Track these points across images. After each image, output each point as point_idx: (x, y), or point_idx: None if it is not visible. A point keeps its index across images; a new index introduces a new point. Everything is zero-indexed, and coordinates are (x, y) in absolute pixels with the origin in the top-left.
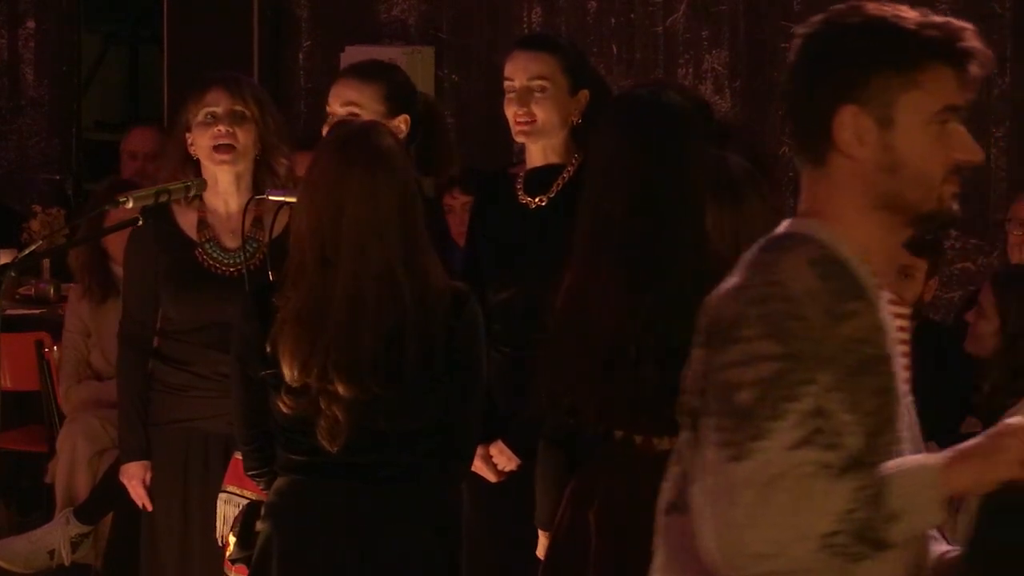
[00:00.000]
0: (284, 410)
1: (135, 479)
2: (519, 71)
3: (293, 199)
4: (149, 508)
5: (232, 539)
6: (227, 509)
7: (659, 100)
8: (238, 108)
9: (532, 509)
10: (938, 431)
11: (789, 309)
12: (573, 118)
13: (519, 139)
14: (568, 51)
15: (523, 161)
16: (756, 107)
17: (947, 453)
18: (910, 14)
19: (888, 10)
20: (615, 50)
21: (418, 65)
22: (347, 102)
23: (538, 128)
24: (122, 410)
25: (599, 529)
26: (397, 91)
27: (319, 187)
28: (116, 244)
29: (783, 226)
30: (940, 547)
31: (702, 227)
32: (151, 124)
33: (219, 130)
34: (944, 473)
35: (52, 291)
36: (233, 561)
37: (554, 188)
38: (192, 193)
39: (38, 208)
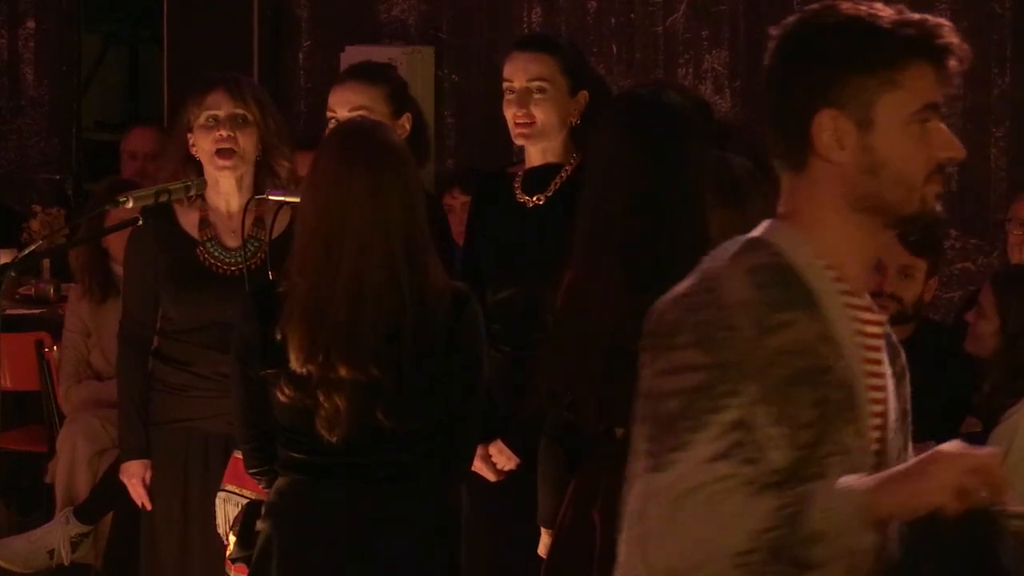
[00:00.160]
0: (284, 401)
1: (135, 478)
2: (518, 72)
3: (293, 199)
4: (149, 507)
5: (232, 538)
6: (226, 508)
7: (659, 100)
8: (239, 111)
9: (532, 508)
10: (938, 431)
11: (719, 318)
12: (572, 119)
13: (518, 142)
14: (567, 52)
15: (522, 161)
16: (756, 107)
17: (877, 476)
18: (885, 12)
19: (863, 9)
20: (615, 50)
21: (418, 65)
22: (355, 106)
23: (537, 130)
24: (122, 409)
25: (603, 528)
26: (399, 91)
27: (324, 180)
28: (117, 244)
29: (755, 229)
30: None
31: (702, 227)
32: (151, 124)
33: (221, 135)
34: (870, 496)
35: (52, 291)
36: (233, 560)
37: (552, 187)
38: (192, 193)
39: (38, 208)
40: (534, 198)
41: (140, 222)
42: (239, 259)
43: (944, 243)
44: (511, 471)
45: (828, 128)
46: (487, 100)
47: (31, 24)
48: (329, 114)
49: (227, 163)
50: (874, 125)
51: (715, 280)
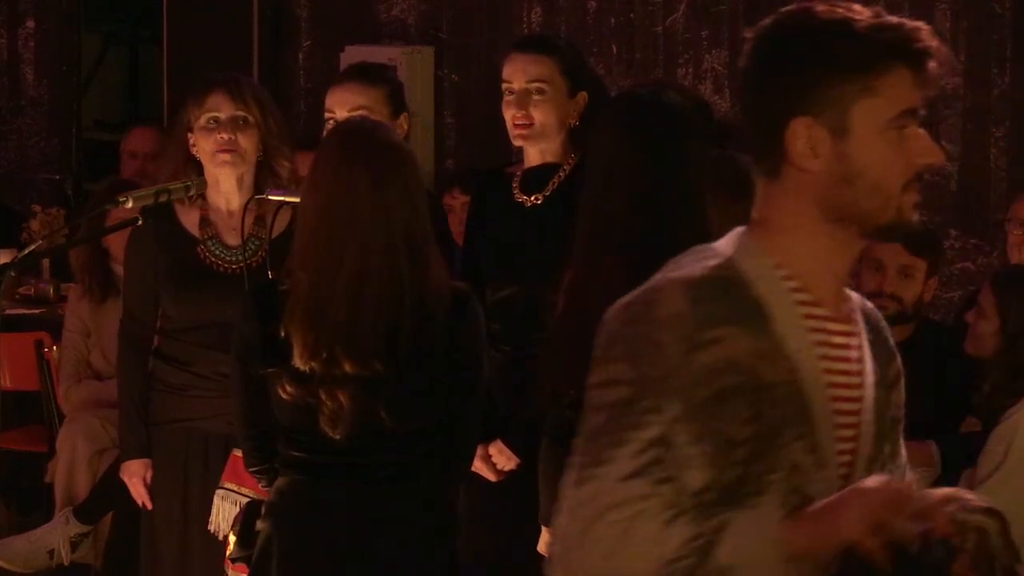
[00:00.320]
0: (286, 399)
1: (136, 477)
2: (517, 74)
3: (293, 199)
4: (149, 507)
5: (232, 538)
6: (224, 506)
7: (659, 100)
8: (240, 113)
9: (532, 508)
10: (938, 431)
11: (649, 333)
12: (571, 120)
13: (517, 142)
14: (566, 53)
15: (521, 161)
16: None
17: (795, 512)
18: (862, 15)
19: (840, 12)
20: (615, 50)
21: (418, 65)
22: (355, 107)
23: (536, 131)
24: (122, 409)
25: None
26: (397, 91)
27: (326, 177)
28: (117, 244)
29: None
30: None
31: (703, 227)
32: (151, 124)
33: (221, 137)
34: (785, 530)
35: (52, 291)
36: (233, 560)
37: (550, 187)
38: (192, 193)
39: (38, 208)
40: (532, 198)
41: (140, 222)
42: (239, 258)
43: (944, 243)
44: (511, 471)
45: (802, 136)
46: (487, 100)
47: (31, 24)
48: (327, 115)
49: (226, 158)
50: (849, 133)
51: (656, 291)
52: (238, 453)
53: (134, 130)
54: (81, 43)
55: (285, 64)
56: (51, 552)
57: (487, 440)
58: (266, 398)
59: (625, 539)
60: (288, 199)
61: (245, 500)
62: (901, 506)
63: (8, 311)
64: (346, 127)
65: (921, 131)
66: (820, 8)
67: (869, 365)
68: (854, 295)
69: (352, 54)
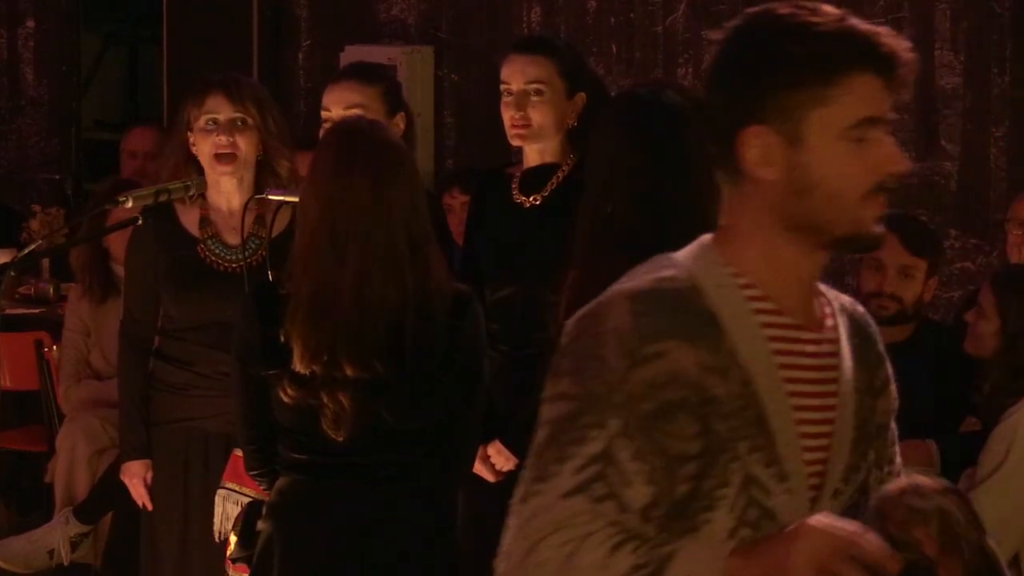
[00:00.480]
0: (287, 401)
1: (136, 477)
2: (515, 75)
3: (293, 199)
4: (150, 507)
5: (233, 538)
6: (226, 506)
7: (659, 100)
8: (238, 115)
9: None
10: (938, 431)
11: (593, 347)
12: (569, 120)
13: (515, 143)
14: (565, 54)
15: (521, 161)
16: None
17: (743, 546)
18: (825, 19)
19: (801, 16)
20: (615, 50)
21: (418, 65)
22: (351, 105)
23: (534, 132)
24: (123, 409)
25: None
26: (394, 90)
27: (325, 178)
28: (117, 244)
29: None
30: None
31: (703, 227)
32: (151, 124)
33: (220, 139)
34: (733, 567)
35: (52, 291)
36: (234, 560)
37: (548, 187)
38: (192, 193)
39: (38, 208)
40: (531, 198)
41: (140, 222)
42: (239, 257)
43: (944, 243)
44: (510, 471)
45: (755, 144)
46: (487, 100)
47: (31, 24)
48: (324, 113)
49: (227, 169)
50: (803, 142)
51: (604, 304)
52: (239, 453)
53: (134, 130)
54: (81, 43)
55: (285, 64)
56: (51, 552)
57: (486, 441)
58: (266, 400)
59: (569, 565)
60: (288, 199)
61: (246, 500)
62: (850, 551)
63: (8, 311)
64: (344, 127)
65: (886, 138)
66: (782, 12)
67: (848, 372)
68: (843, 299)
69: (352, 54)
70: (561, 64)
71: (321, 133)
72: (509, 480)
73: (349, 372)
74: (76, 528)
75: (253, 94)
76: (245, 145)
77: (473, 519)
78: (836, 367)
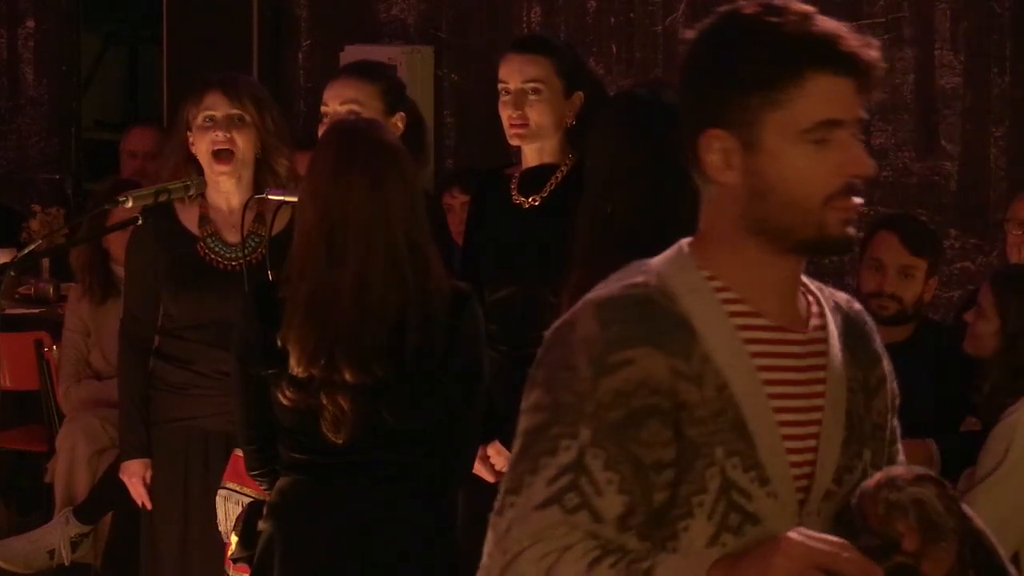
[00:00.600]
0: (286, 404)
1: (135, 477)
2: (513, 74)
3: (293, 199)
4: (149, 506)
5: (234, 538)
6: (227, 506)
7: (658, 100)
8: (236, 112)
9: None
10: (938, 431)
11: (564, 357)
12: (567, 120)
13: (513, 143)
14: (563, 53)
15: (520, 161)
16: None
17: (722, 561)
18: (788, 18)
19: (764, 14)
20: (615, 50)
21: (418, 65)
22: (348, 100)
23: (532, 131)
24: (123, 408)
25: None
26: (394, 89)
27: (323, 179)
28: (117, 244)
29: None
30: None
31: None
32: (151, 124)
33: (218, 136)
34: None
35: (52, 290)
36: (235, 560)
37: (547, 188)
38: (192, 192)
39: (38, 208)
40: (530, 199)
41: (140, 222)
42: (239, 255)
43: (944, 243)
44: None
45: (714, 149)
46: (487, 100)
47: (31, 23)
48: (323, 108)
49: (225, 168)
50: (760, 146)
51: (575, 313)
52: (239, 453)
53: (134, 130)
54: (81, 43)
55: (285, 64)
56: (51, 552)
57: (485, 441)
58: (267, 400)
59: None
60: (288, 199)
61: (247, 500)
62: (828, 567)
63: (8, 311)
64: (341, 128)
65: (850, 140)
66: (746, 11)
67: (838, 371)
68: (838, 297)
69: (352, 54)
70: (559, 63)
71: (320, 129)
72: None
73: (348, 377)
74: (76, 528)
75: (251, 92)
76: (243, 142)
77: (473, 519)
78: (824, 367)
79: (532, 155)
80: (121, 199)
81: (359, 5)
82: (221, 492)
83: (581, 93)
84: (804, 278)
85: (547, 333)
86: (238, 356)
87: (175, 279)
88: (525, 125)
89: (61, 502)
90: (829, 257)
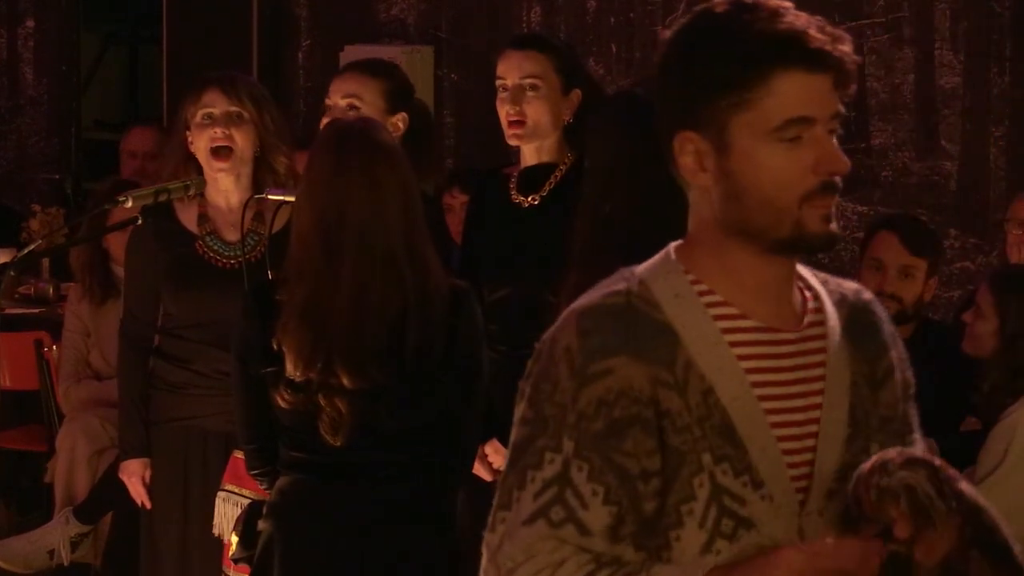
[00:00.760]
0: (284, 406)
1: (135, 476)
2: (511, 70)
3: (292, 198)
4: (148, 506)
5: (235, 539)
6: (226, 508)
7: None
8: (234, 109)
9: None
10: (938, 431)
11: (546, 369)
12: (565, 117)
13: (512, 142)
14: (561, 51)
15: (519, 161)
16: None
17: (717, 570)
18: (756, 15)
19: (734, 13)
20: (615, 49)
21: (418, 65)
22: (348, 94)
23: (530, 129)
24: (122, 408)
25: None
26: (398, 89)
27: (319, 181)
28: (117, 245)
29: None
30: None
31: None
32: (151, 124)
33: (216, 132)
34: None
35: (51, 291)
36: (236, 561)
37: (546, 187)
38: (192, 192)
39: (37, 208)
40: (529, 199)
41: (139, 221)
42: (238, 253)
43: (944, 243)
44: None
45: (687, 151)
46: (487, 100)
47: (31, 23)
48: (326, 101)
49: (224, 165)
50: (730, 148)
51: (559, 324)
52: (238, 455)
53: (134, 130)
54: (80, 42)
55: (285, 64)
56: (51, 552)
57: (484, 440)
58: (267, 399)
59: None
60: (287, 199)
61: (246, 502)
62: (829, 567)
63: (8, 311)
64: (337, 128)
65: (822, 137)
66: (717, 11)
67: (839, 366)
68: (845, 288)
69: (352, 54)
70: (557, 60)
71: (323, 122)
72: None
73: (346, 382)
74: (76, 528)
75: (249, 90)
76: (241, 140)
77: (473, 519)
78: (822, 364)
79: (531, 154)
80: (121, 199)
81: (359, 5)
82: (220, 494)
83: (579, 91)
84: (807, 272)
85: (536, 344)
86: (238, 355)
87: (175, 278)
88: (522, 123)
89: (61, 502)
90: (819, 255)
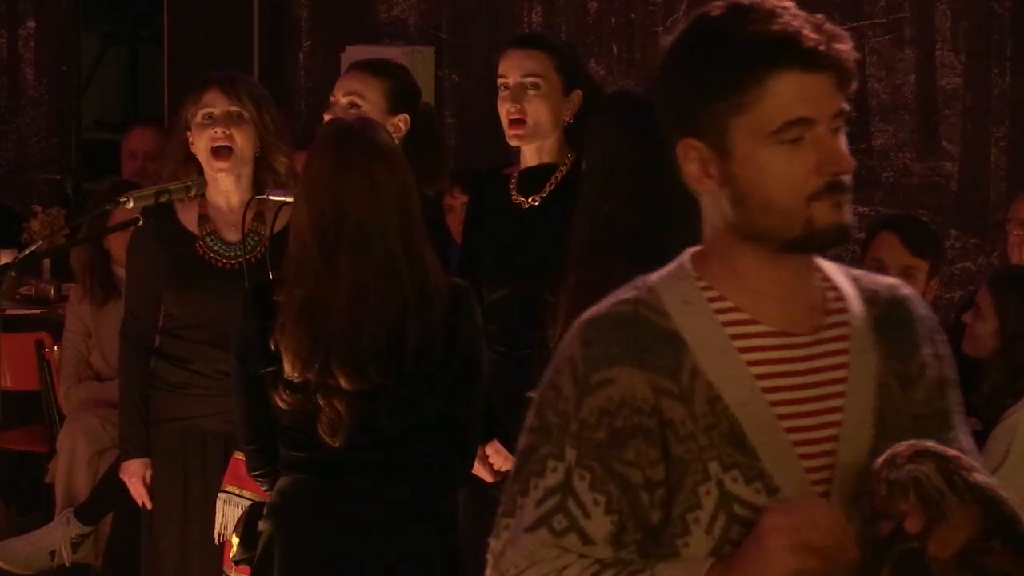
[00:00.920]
0: (282, 406)
1: (135, 476)
2: (513, 68)
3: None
4: (149, 506)
5: (235, 540)
6: (227, 509)
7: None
8: (234, 109)
9: None
10: None
11: (553, 378)
12: (566, 118)
13: (513, 143)
14: (563, 51)
15: (519, 161)
16: None
17: (719, 563)
18: (751, 17)
19: (730, 16)
20: (615, 50)
21: (418, 65)
22: (350, 92)
23: (530, 129)
24: (123, 408)
25: None
26: (401, 90)
27: (317, 181)
28: (118, 246)
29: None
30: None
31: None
32: (151, 124)
33: (216, 132)
34: None
35: (52, 291)
36: (237, 563)
37: (547, 188)
38: (193, 193)
39: (38, 208)
40: (530, 199)
41: (140, 222)
42: (238, 253)
43: (945, 243)
44: (508, 471)
45: (691, 158)
46: (487, 100)
47: (31, 24)
48: (331, 98)
49: (224, 165)
50: (733, 153)
51: (569, 332)
52: (239, 456)
53: (134, 130)
54: (81, 43)
55: (285, 64)
56: (52, 553)
57: (484, 440)
58: (267, 399)
59: None
60: (288, 199)
61: (247, 503)
62: (821, 524)
63: (9, 311)
64: (335, 128)
65: (825, 137)
66: (714, 13)
67: (864, 367)
68: (879, 285)
69: (352, 54)
70: (558, 60)
71: (325, 118)
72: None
73: (344, 383)
74: (77, 529)
75: (249, 90)
76: (241, 139)
77: (473, 519)
78: (844, 365)
79: (531, 154)
80: (122, 199)
81: (360, 5)
82: (221, 495)
83: (580, 92)
84: (834, 270)
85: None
86: (237, 355)
87: (175, 279)
88: (523, 122)
89: (62, 503)
90: (831, 251)
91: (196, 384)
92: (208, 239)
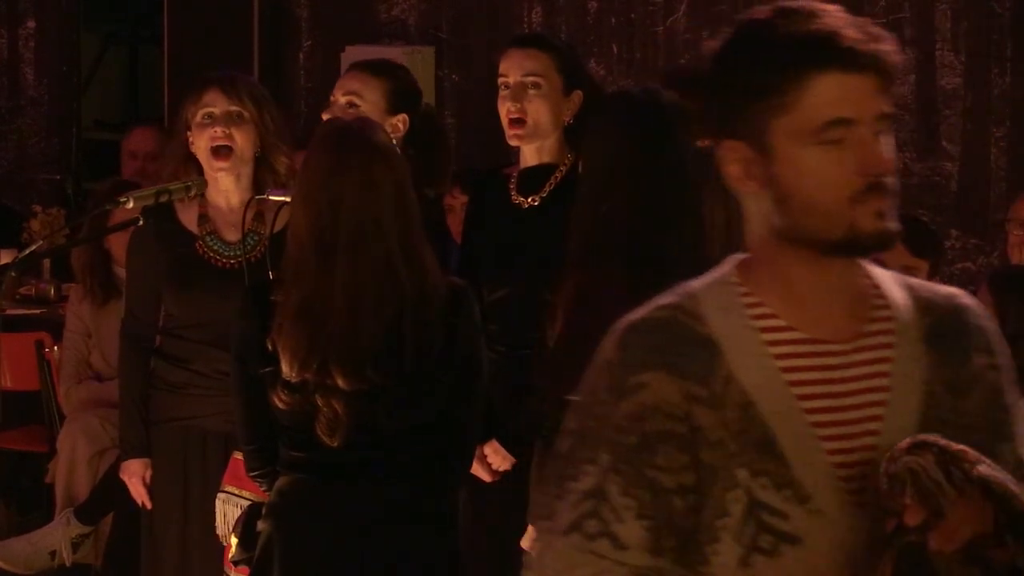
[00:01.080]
0: (281, 406)
1: (135, 476)
2: (513, 68)
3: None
4: (149, 506)
5: (234, 540)
6: (226, 509)
7: (656, 100)
8: (234, 109)
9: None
10: None
11: (590, 381)
12: (566, 118)
13: (513, 143)
14: (563, 51)
15: (519, 161)
16: None
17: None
18: (792, 20)
19: (773, 19)
20: (615, 50)
21: (418, 65)
22: (349, 91)
23: (530, 129)
24: (123, 408)
25: None
26: (401, 90)
27: (315, 180)
28: (118, 246)
29: None
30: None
31: (701, 226)
32: (151, 124)
33: (216, 132)
34: None
35: (52, 291)
36: (235, 563)
37: (547, 188)
38: (193, 193)
39: (38, 208)
40: (529, 199)
41: (140, 222)
42: (238, 253)
43: (945, 243)
44: (507, 471)
45: (733, 160)
46: (487, 100)
47: (31, 24)
48: (331, 98)
49: (224, 164)
50: (773, 154)
51: (608, 335)
52: (238, 456)
53: (135, 130)
54: (81, 43)
55: (285, 64)
56: (52, 553)
57: (484, 440)
58: (266, 399)
59: None
60: (288, 200)
61: (246, 503)
62: None
63: (9, 311)
64: (332, 128)
65: (866, 138)
66: (754, 19)
67: (908, 376)
68: (937, 295)
69: (352, 54)
70: (559, 60)
71: (324, 116)
72: (509, 479)
73: (342, 383)
74: (77, 529)
75: (249, 90)
76: (241, 139)
77: (473, 519)
78: (884, 374)
79: (531, 154)
80: (122, 199)
81: (360, 5)
82: (220, 495)
83: (580, 92)
84: (886, 277)
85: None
86: (236, 355)
87: (175, 278)
88: (523, 122)
89: (62, 503)
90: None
91: (196, 384)
92: (208, 239)
